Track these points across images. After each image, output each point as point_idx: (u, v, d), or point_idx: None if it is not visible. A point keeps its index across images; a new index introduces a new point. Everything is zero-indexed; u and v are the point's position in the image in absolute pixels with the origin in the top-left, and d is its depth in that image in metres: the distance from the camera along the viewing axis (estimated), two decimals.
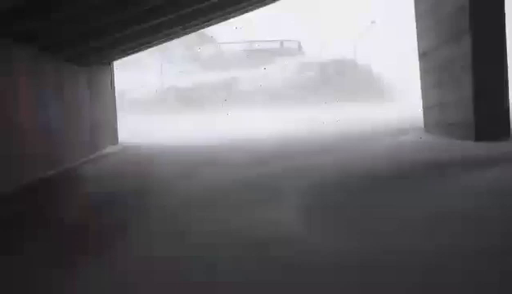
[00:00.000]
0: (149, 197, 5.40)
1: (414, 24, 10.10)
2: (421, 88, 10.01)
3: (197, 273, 2.96)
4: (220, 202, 4.84)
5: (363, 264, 2.87)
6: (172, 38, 11.96)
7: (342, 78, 35.02)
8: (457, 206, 3.86)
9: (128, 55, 12.28)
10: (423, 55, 9.75)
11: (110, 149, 10.89)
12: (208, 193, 5.29)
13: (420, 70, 9.97)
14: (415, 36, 10.05)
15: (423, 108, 9.97)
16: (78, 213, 4.89)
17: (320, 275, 2.81)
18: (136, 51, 12.19)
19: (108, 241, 3.83)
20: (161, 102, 32.46)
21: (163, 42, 12.27)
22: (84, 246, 3.77)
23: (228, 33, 35.37)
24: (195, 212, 4.52)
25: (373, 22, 40.15)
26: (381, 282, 2.65)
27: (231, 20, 11.79)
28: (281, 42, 39.57)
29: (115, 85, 12.45)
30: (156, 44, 12.06)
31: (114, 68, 12.50)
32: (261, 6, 11.33)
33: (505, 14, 7.48)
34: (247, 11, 11.35)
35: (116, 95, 12.59)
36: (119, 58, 12.12)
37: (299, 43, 40.37)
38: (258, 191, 5.07)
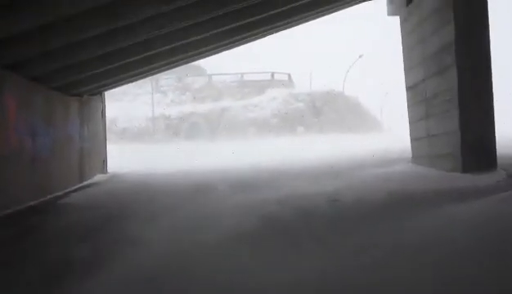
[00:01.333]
0: (129, 226, 5.37)
1: (401, 57, 10.29)
2: (409, 120, 10.12)
3: None
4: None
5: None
6: (163, 70, 12.05)
7: (330, 109, 35.41)
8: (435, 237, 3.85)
9: (120, 85, 12.35)
10: (410, 88, 9.90)
11: (98, 178, 10.88)
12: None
13: (408, 102, 10.11)
14: (403, 69, 10.23)
15: (410, 139, 10.06)
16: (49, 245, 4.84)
17: None
18: (128, 82, 12.27)
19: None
20: (151, 131, 32.54)
21: (155, 73, 12.37)
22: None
23: (219, 63, 35.68)
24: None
25: (361, 56, 40.97)
26: None
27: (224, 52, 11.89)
28: (272, 74, 40.00)
29: (106, 114, 12.49)
30: (148, 75, 12.15)
31: (106, 97, 12.54)
32: (259, 38, 11.46)
33: (490, 46, 7.60)
34: (245, 43, 11.44)
35: (106, 124, 12.61)
36: (111, 88, 12.18)
37: (289, 75, 40.84)
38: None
